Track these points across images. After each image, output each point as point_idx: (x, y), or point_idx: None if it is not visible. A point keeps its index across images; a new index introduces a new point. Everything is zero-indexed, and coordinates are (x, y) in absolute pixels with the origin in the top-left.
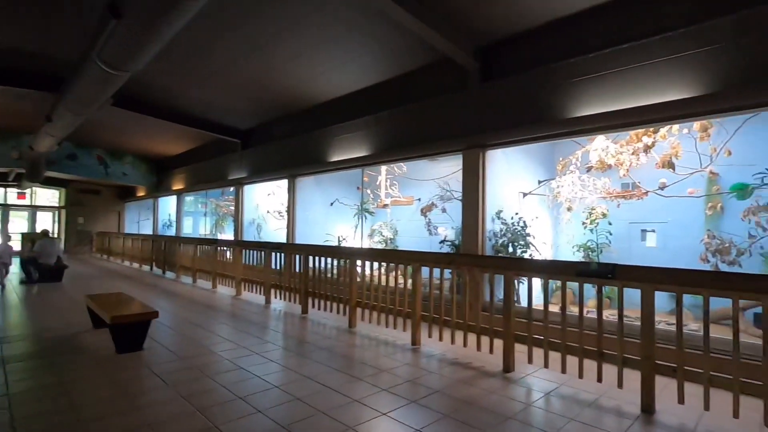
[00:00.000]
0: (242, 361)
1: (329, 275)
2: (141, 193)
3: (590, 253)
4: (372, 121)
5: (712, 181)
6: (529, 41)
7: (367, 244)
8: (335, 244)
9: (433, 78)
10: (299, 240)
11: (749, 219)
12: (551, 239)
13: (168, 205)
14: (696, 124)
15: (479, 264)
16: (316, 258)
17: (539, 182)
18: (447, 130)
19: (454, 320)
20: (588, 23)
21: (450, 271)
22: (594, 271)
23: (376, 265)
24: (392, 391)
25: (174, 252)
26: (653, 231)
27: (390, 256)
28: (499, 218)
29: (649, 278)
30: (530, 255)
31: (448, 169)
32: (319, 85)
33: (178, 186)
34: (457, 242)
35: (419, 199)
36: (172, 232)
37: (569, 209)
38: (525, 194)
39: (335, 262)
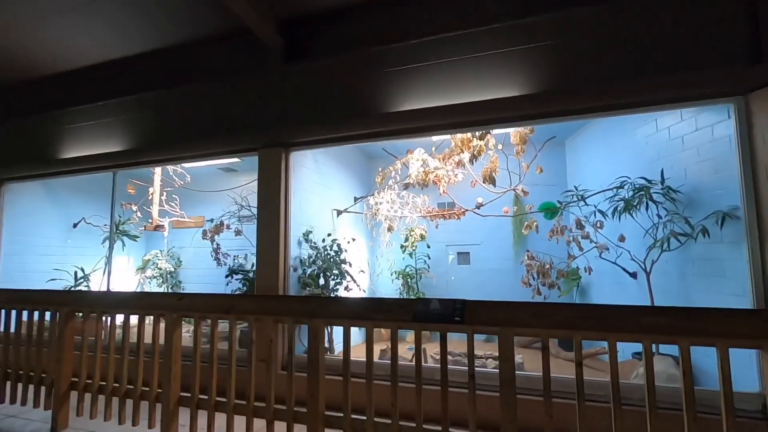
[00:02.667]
0: None
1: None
2: None
3: (409, 280)
4: (131, 105)
5: (519, 200)
6: (348, 18)
7: (134, 280)
8: (71, 283)
9: (223, 52)
10: (8, 279)
11: (557, 239)
12: (369, 265)
13: None
14: (513, 137)
15: (270, 310)
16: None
17: (356, 199)
18: (239, 122)
19: (233, 401)
20: (413, 5)
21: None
22: (435, 314)
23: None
24: None
25: None
26: (467, 253)
27: (132, 301)
28: (307, 241)
29: (508, 320)
30: (346, 287)
31: (249, 178)
32: (46, 45)
33: None
34: (252, 274)
35: (212, 220)
36: None
37: (389, 230)
38: (340, 212)
39: (43, 316)
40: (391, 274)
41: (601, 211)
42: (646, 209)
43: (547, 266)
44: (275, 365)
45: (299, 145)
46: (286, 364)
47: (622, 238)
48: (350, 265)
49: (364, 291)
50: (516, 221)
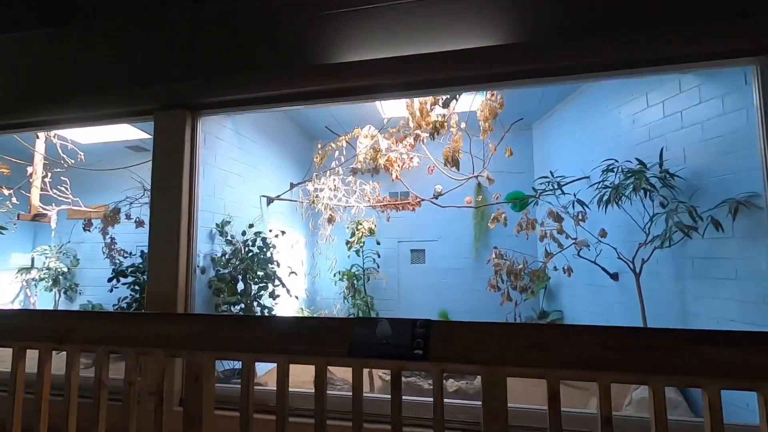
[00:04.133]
0: None
1: None
2: None
3: (355, 281)
4: None
5: (482, 190)
6: None
7: (15, 284)
8: None
9: None
10: None
11: (527, 234)
12: (307, 265)
13: None
14: (481, 111)
15: (128, 338)
16: None
17: (292, 185)
18: (128, 75)
19: None
20: None
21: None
22: (384, 344)
23: None
24: None
25: None
26: (422, 250)
27: None
28: (222, 234)
29: (498, 353)
30: (272, 293)
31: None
32: None
33: None
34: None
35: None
36: None
37: (330, 221)
38: (271, 199)
39: None
40: (334, 275)
41: (581, 202)
42: (646, 196)
43: (519, 266)
44: (170, 401)
45: (211, 108)
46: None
47: (603, 233)
48: (278, 264)
49: (296, 297)
50: (477, 214)
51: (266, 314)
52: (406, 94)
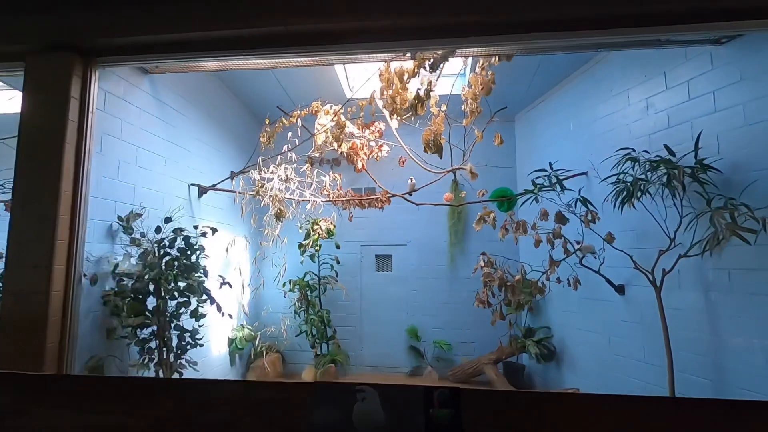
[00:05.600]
0: None
1: None
2: None
3: (309, 293)
4: None
5: (457, 187)
6: None
7: None
8: None
9: None
10: None
11: (516, 237)
12: (249, 273)
13: None
14: (473, 85)
15: None
16: None
17: (233, 174)
18: None
19: None
20: None
21: None
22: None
23: None
24: None
25: None
26: (389, 256)
27: None
28: (127, 231)
29: None
30: (194, 311)
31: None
32: None
33: None
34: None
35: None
36: None
37: (279, 217)
38: (204, 190)
39: None
40: (283, 285)
41: (584, 200)
42: (683, 191)
43: (516, 277)
44: None
45: (114, 55)
46: None
47: (610, 238)
48: (205, 273)
49: (230, 316)
50: (453, 215)
51: (187, 341)
52: (381, 49)
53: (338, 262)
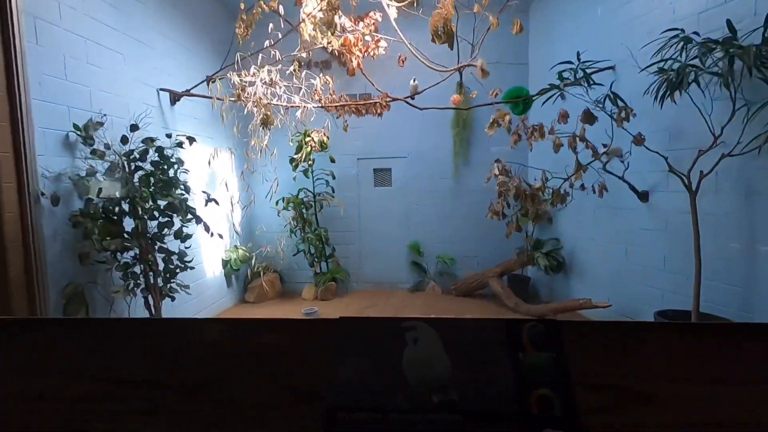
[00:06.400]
0: None
1: None
2: None
3: (304, 211)
4: None
5: (464, 90)
6: None
7: None
8: None
9: None
10: None
11: (530, 144)
12: (238, 189)
13: None
14: None
15: None
16: None
17: (209, 78)
18: None
19: None
20: None
21: None
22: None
23: None
24: None
25: None
26: (388, 170)
27: None
28: (87, 142)
29: None
30: (179, 232)
31: None
32: None
33: None
34: None
35: None
36: None
37: (266, 124)
38: (177, 97)
39: None
40: (276, 203)
41: (614, 95)
42: (749, 76)
43: (538, 184)
44: None
45: None
46: None
47: (639, 140)
48: (186, 190)
49: (220, 236)
50: (458, 122)
51: (175, 264)
52: None
53: (334, 177)
